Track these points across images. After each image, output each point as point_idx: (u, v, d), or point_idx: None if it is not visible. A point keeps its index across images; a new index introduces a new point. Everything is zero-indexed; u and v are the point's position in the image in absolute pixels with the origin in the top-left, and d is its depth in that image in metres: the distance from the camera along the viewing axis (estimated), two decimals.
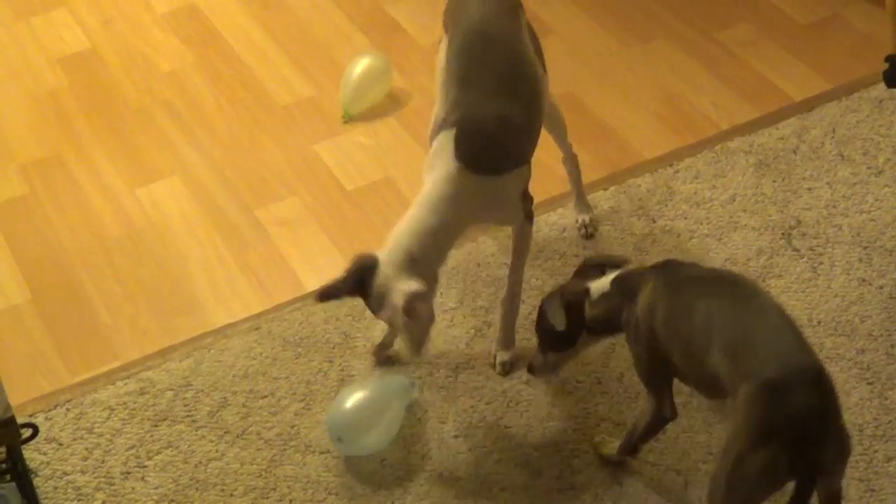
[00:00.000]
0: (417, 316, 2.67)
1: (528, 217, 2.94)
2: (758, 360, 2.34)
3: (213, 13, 4.27)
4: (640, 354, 2.63)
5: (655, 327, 2.55)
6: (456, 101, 2.85)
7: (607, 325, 2.71)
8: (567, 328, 2.70)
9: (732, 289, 2.51)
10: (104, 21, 4.28)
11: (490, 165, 2.80)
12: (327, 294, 2.79)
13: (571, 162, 3.31)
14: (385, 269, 2.71)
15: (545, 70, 3.03)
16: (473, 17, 2.93)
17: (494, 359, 3.04)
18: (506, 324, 3.04)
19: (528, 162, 2.89)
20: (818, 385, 2.30)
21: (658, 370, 2.61)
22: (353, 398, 2.89)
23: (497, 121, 2.81)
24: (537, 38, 3.06)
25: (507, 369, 3.02)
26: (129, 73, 4.07)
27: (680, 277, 2.58)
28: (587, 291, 2.70)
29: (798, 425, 2.27)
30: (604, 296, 2.68)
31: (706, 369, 2.43)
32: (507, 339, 3.04)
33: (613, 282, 2.67)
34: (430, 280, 2.75)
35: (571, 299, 2.71)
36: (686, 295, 2.53)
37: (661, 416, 2.66)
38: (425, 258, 2.73)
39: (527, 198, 2.94)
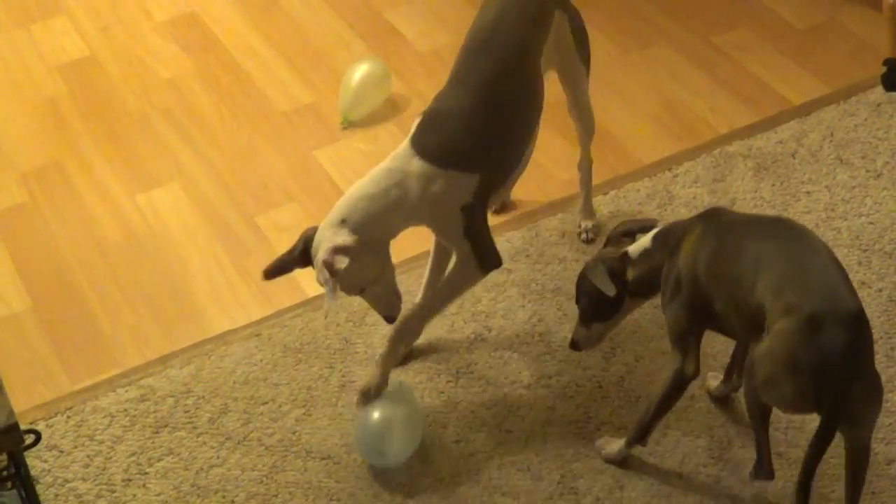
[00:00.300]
0: (336, 269, 2.69)
1: (480, 260, 2.86)
2: (803, 295, 2.41)
3: (212, 20, 4.27)
4: (675, 311, 2.65)
5: (699, 273, 2.59)
6: (438, 93, 2.90)
7: (650, 286, 2.74)
8: (617, 290, 2.73)
9: (783, 230, 2.58)
10: (103, 28, 4.29)
11: (433, 153, 2.80)
12: (275, 270, 2.84)
13: (586, 168, 3.32)
14: (320, 232, 2.77)
15: (586, 73, 3.12)
16: (486, 19, 2.95)
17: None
18: (385, 352, 2.92)
19: (479, 175, 2.81)
20: (856, 326, 2.38)
21: (692, 324, 2.66)
22: (377, 411, 2.86)
23: (457, 117, 2.83)
24: (585, 44, 3.11)
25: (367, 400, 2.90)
26: (129, 80, 4.07)
27: (727, 222, 2.64)
28: (626, 255, 2.73)
29: (829, 360, 2.35)
30: (645, 254, 2.73)
31: (749, 307, 2.49)
32: (377, 374, 2.91)
33: (655, 238, 2.72)
34: (370, 246, 2.76)
35: (612, 265, 2.73)
36: (734, 237, 2.59)
37: (683, 376, 2.68)
38: (358, 221, 2.75)
39: (480, 238, 2.86)
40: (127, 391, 3.10)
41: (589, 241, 3.32)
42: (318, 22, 4.21)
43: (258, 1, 4.35)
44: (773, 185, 3.40)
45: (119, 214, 3.59)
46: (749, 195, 3.37)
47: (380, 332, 3.14)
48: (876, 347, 2.96)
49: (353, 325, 3.19)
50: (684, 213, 3.35)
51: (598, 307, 2.78)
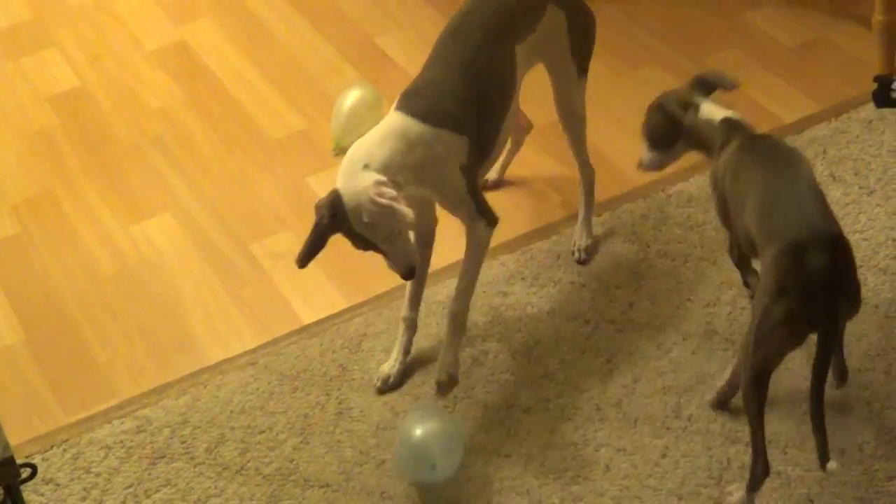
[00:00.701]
0: (391, 196, 2.72)
1: (485, 217, 2.96)
2: (783, 225, 2.60)
3: (202, 49, 4.28)
4: (716, 199, 2.90)
5: (725, 185, 2.82)
6: (414, 78, 2.98)
7: (699, 146, 2.95)
8: (671, 129, 2.95)
9: (777, 159, 2.78)
10: (93, 59, 4.29)
11: (426, 115, 2.85)
12: (309, 250, 2.84)
13: (586, 177, 3.34)
14: (346, 183, 2.78)
15: (583, 73, 3.20)
16: (461, 11, 3.05)
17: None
18: (450, 342, 2.97)
19: (468, 136, 2.89)
20: (834, 248, 2.55)
21: (727, 212, 2.87)
22: (419, 427, 2.86)
23: (438, 85, 2.92)
24: (583, 43, 3.19)
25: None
26: (120, 110, 4.07)
27: (751, 143, 2.83)
28: (697, 106, 2.92)
29: (813, 282, 2.52)
30: (708, 123, 2.90)
31: (744, 227, 2.73)
32: (449, 362, 2.96)
33: (722, 122, 2.88)
34: (395, 186, 2.78)
35: (682, 103, 2.94)
36: (745, 158, 2.79)
37: (740, 251, 2.97)
38: (381, 163, 2.78)
39: (480, 198, 2.96)
40: (123, 422, 3.09)
41: (582, 262, 3.31)
42: (308, 48, 4.21)
43: (248, 28, 4.35)
44: None
45: (112, 245, 3.58)
46: None
47: (376, 358, 3.14)
48: (873, 364, 2.97)
49: (348, 351, 3.18)
50: (680, 234, 3.35)
51: (658, 137, 2.99)
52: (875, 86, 3.58)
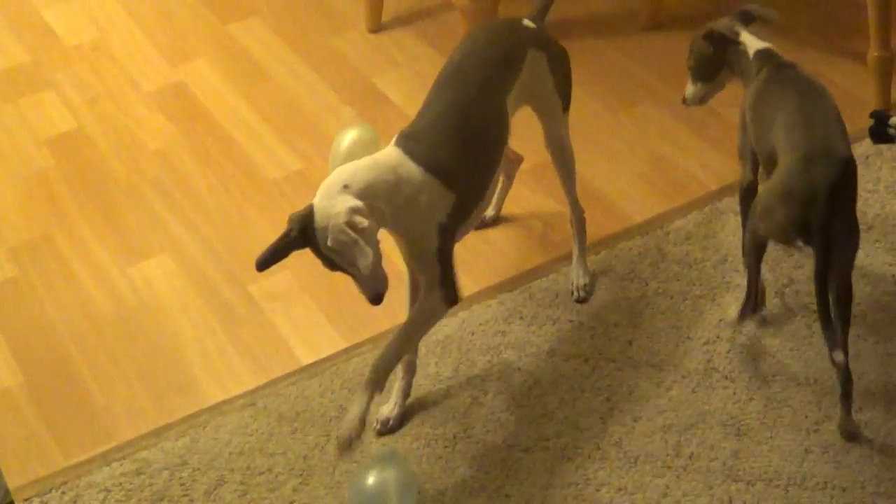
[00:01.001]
0: (360, 228, 2.68)
1: (445, 289, 2.89)
2: (805, 136, 2.86)
3: (200, 90, 4.28)
4: (742, 129, 3.13)
5: (748, 106, 3.06)
6: (412, 122, 2.98)
7: (740, 73, 3.15)
8: (717, 57, 3.15)
9: (808, 85, 3.02)
10: (90, 100, 4.29)
11: (419, 155, 2.85)
12: (270, 257, 2.79)
13: (577, 219, 3.35)
14: (323, 202, 2.75)
15: (566, 108, 3.23)
16: (452, 61, 3.07)
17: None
18: (358, 397, 2.89)
19: (455, 195, 2.87)
20: (843, 168, 2.80)
21: (746, 144, 3.13)
22: (371, 476, 2.84)
23: (434, 132, 2.90)
24: (564, 79, 3.21)
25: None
26: (117, 151, 4.07)
27: (782, 70, 3.06)
28: (738, 36, 3.12)
29: (817, 192, 2.75)
30: (744, 53, 3.11)
31: (767, 144, 2.96)
32: (349, 420, 2.86)
33: (758, 52, 3.09)
34: (373, 214, 2.75)
35: (726, 34, 3.13)
36: (777, 81, 3.03)
37: (742, 185, 3.16)
38: (361, 187, 2.76)
39: (448, 267, 2.90)
40: (121, 465, 3.08)
41: (581, 301, 3.31)
42: (305, 89, 4.22)
43: (245, 69, 4.36)
44: None
45: (110, 287, 3.58)
46: (741, 251, 3.37)
47: (375, 399, 3.13)
48: (874, 401, 2.97)
49: (348, 392, 3.18)
50: (678, 271, 3.35)
51: (704, 66, 3.18)
52: (871, 122, 3.59)
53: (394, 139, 2.92)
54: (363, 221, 2.71)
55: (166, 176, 3.94)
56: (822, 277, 2.78)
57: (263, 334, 3.38)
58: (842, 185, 2.79)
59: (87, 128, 4.19)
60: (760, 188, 3.02)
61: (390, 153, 2.87)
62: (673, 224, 3.51)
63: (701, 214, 3.53)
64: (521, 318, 3.31)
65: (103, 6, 4.78)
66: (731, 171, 3.63)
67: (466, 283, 3.37)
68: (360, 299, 3.11)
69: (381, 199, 2.79)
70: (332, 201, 2.74)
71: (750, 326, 3.19)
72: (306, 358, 3.29)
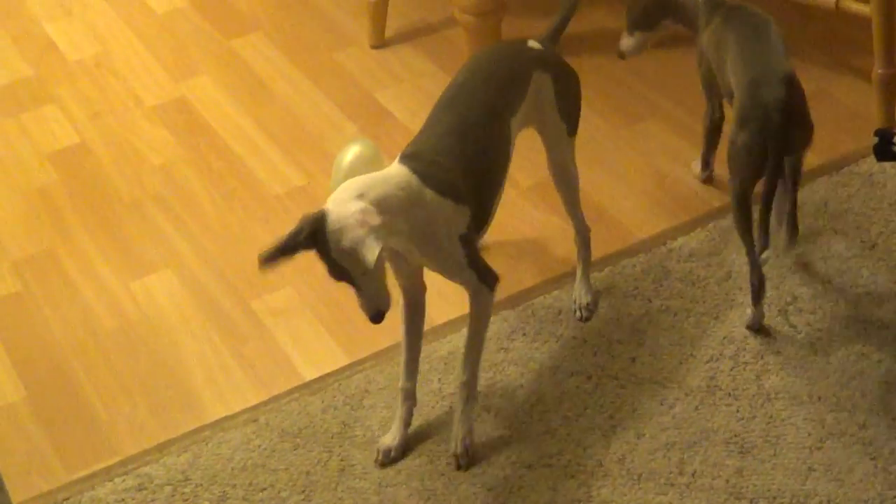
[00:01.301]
0: (371, 224, 2.67)
1: (487, 283, 2.94)
2: (748, 66, 3.09)
3: (202, 105, 4.29)
4: (702, 72, 3.40)
5: (710, 54, 3.30)
6: (412, 142, 2.99)
7: (686, 22, 3.39)
8: (659, 7, 3.39)
9: (752, 21, 3.22)
10: (93, 115, 4.30)
11: (427, 176, 2.84)
12: (276, 254, 2.78)
13: (581, 236, 3.35)
14: (336, 206, 2.73)
15: (573, 132, 3.22)
16: (456, 82, 3.07)
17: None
18: (462, 413, 3.00)
19: (463, 205, 2.88)
20: (787, 85, 3.02)
21: (709, 83, 3.40)
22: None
23: (437, 152, 2.90)
24: (571, 103, 3.21)
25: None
26: (120, 166, 4.08)
27: (730, 14, 3.25)
28: None
29: (768, 113, 2.99)
30: (694, 1, 3.34)
31: (726, 86, 3.20)
32: (464, 433, 3.00)
33: (707, 1, 3.31)
34: (385, 225, 2.73)
35: None
36: (727, 26, 3.23)
37: (712, 119, 3.51)
38: (376, 197, 2.73)
39: (481, 264, 2.94)
40: (124, 480, 3.07)
41: (584, 320, 3.31)
42: (308, 105, 4.22)
43: (247, 84, 4.37)
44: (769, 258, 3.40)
45: (113, 302, 3.58)
46: (745, 268, 3.36)
47: (378, 415, 3.13)
48: (878, 420, 2.97)
49: (350, 408, 3.17)
50: (681, 289, 3.35)
51: (646, 16, 3.41)
52: (875, 139, 3.59)
53: (398, 158, 2.90)
54: (375, 218, 2.69)
55: (169, 191, 3.94)
56: (769, 197, 3.00)
57: (266, 350, 3.38)
58: (791, 100, 3.01)
59: (90, 142, 4.19)
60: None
61: (400, 171, 2.84)
62: (676, 241, 3.51)
63: (704, 232, 3.52)
64: (524, 334, 3.30)
65: (106, 21, 4.78)
66: None
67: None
68: (362, 315, 3.11)
69: (397, 215, 2.77)
70: (347, 206, 2.71)
71: (753, 344, 3.18)
72: (309, 374, 3.28)
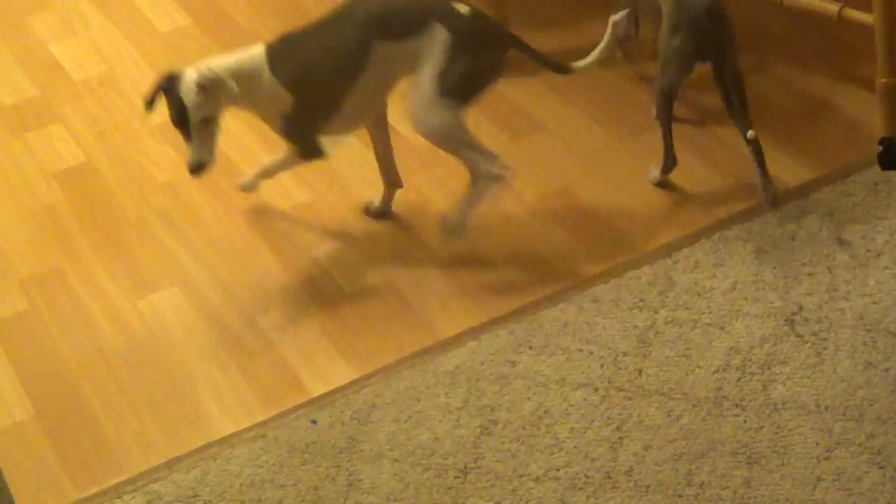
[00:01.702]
0: (210, 77, 3.31)
1: (303, 154, 3.58)
2: None
3: None
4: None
5: None
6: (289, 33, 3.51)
7: None
8: None
9: None
10: (98, 134, 4.31)
11: (271, 54, 3.41)
12: (151, 97, 3.42)
13: (474, 181, 3.50)
14: (191, 69, 3.36)
15: (448, 95, 3.35)
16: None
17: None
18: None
19: (287, 91, 3.40)
20: None
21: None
22: None
23: (296, 39, 3.45)
24: (465, 69, 3.33)
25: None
26: (126, 184, 4.08)
27: None
28: None
29: (694, 18, 3.42)
30: None
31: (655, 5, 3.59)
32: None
33: None
34: (221, 87, 3.34)
35: None
36: None
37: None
38: (226, 65, 3.38)
39: (301, 141, 3.53)
40: (133, 497, 3.08)
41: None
42: None
43: None
44: (775, 268, 3.40)
45: (120, 319, 3.58)
46: (750, 279, 3.38)
47: (385, 429, 3.13)
48: (886, 429, 2.97)
49: (357, 423, 3.18)
50: (687, 300, 3.35)
51: None
52: (880, 148, 3.59)
53: (265, 43, 3.41)
54: (214, 82, 3.30)
55: (175, 208, 3.95)
56: (721, 78, 3.46)
57: (273, 365, 3.39)
58: (713, 5, 3.42)
59: (96, 161, 4.20)
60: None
61: (258, 50, 3.40)
62: (681, 252, 3.51)
63: (709, 242, 3.53)
64: (531, 347, 3.31)
65: (111, 41, 4.80)
66: (739, 198, 3.66)
67: (475, 312, 3.39)
68: (367, 329, 3.13)
69: (238, 83, 3.34)
70: (199, 68, 3.33)
71: (759, 354, 3.18)
72: (316, 389, 3.29)
